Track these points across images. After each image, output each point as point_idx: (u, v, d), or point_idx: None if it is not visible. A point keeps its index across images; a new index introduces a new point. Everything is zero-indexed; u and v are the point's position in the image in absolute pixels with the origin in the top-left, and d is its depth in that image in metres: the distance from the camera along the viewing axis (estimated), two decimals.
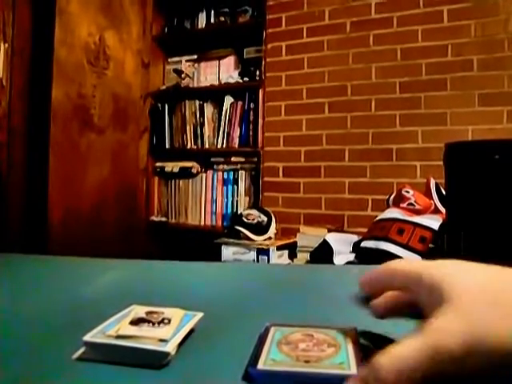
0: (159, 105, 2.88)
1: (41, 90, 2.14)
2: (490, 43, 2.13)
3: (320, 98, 2.48)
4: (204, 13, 2.84)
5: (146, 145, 2.82)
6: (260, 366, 0.29)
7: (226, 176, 2.70)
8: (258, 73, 2.66)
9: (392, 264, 0.33)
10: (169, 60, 2.98)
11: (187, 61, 2.89)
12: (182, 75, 2.82)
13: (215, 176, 2.73)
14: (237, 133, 2.67)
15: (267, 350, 0.32)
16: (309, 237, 2.21)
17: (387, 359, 0.24)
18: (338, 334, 0.34)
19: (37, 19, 2.17)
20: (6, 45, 2.05)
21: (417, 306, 0.30)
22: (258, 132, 2.60)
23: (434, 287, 0.28)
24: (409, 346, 0.25)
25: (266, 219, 2.28)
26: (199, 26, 2.85)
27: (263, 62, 2.62)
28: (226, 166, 2.72)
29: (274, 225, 2.31)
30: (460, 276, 0.28)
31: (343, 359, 0.30)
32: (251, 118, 2.63)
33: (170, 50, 2.96)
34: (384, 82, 2.34)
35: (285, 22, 2.59)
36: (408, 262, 0.32)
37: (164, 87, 2.92)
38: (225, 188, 2.70)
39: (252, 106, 2.63)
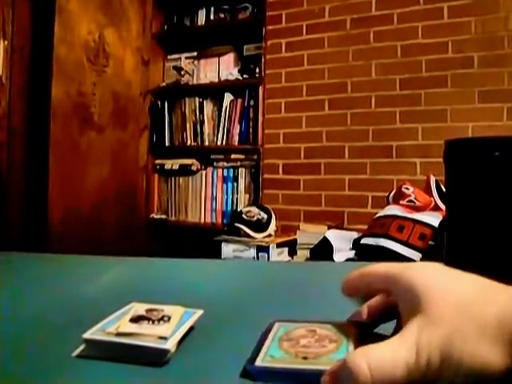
0: (159, 102, 2.88)
1: (40, 88, 2.14)
2: (490, 40, 2.13)
3: (320, 95, 2.48)
4: (204, 10, 2.83)
5: (145, 142, 2.82)
6: (258, 362, 0.29)
7: (225, 173, 2.70)
8: (257, 70, 2.66)
9: (370, 267, 0.32)
10: (168, 57, 2.98)
11: (187, 58, 2.88)
12: (182, 72, 2.81)
13: (215, 173, 2.73)
14: (237, 130, 2.67)
15: (267, 346, 0.32)
16: (309, 234, 2.21)
17: (365, 362, 0.24)
18: (341, 329, 0.34)
19: (36, 17, 2.16)
20: (6, 42, 2.05)
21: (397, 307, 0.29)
22: (257, 129, 2.60)
23: (411, 288, 0.27)
24: (388, 352, 0.25)
25: (265, 216, 2.28)
26: (199, 23, 2.85)
27: (263, 59, 2.62)
28: (225, 164, 2.71)
29: (273, 222, 2.31)
30: (439, 281, 0.27)
31: (343, 355, 0.30)
32: (251, 115, 2.63)
33: (169, 47, 2.96)
34: (384, 78, 2.34)
35: (285, 19, 2.58)
36: (387, 264, 0.31)
37: (164, 84, 2.92)
38: (225, 185, 2.70)
39: (252, 103, 2.63)
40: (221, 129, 2.71)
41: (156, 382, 0.30)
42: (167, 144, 2.86)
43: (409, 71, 2.28)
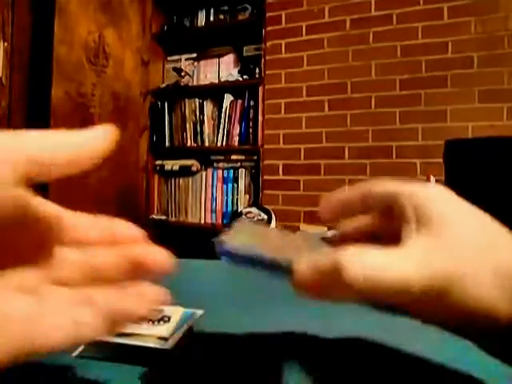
0: (159, 103, 2.88)
1: (40, 88, 2.14)
2: (490, 40, 2.13)
3: (320, 96, 2.48)
4: (203, 11, 2.84)
5: (145, 143, 2.82)
6: (229, 241, 0.27)
7: (225, 174, 2.70)
8: (257, 70, 2.66)
9: (363, 184, 0.28)
10: (168, 58, 2.98)
11: (187, 59, 2.88)
12: (182, 73, 2.81)
13: (215, 174, 2.73)
14: (236, 131, 2.67)
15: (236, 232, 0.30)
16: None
17: (359, 261, 0.21)
18: (312, 239, 0.31)
19: (36, 18, 2.16)
20: (6, 43, 2.05)
21: (388, 235, 0.25)
22: (257, 130, 2.60)
23: (424, 205, 0.24)
24: (389, 260, 0.21)
25: (265, 217, 2.28)
26: (199, 24, 2.85)
27: (263, 60, 2.62)
28: (225, 164, 2.71)
29: (274, 223, 2.31)
30: (457, 210, 0.24)
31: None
32: (251, 115, 2.63)
33: (169, 48, 2.96)
34: (384, 79, 2.34)
35: (284, 20, 2.58)
36: (385, 182, 0.27)
37: (164, 85, 2.92)
38: (225, 186, 2.70)
39: (252, 103, 2.63)
40: (221, 129, 2.71)
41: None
42: (167, 145, 2.86)
43: (409, 71, 2.28)
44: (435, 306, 0.22)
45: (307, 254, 0.24)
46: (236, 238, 0.27)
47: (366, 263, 0.21)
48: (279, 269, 0.25)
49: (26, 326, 0.18)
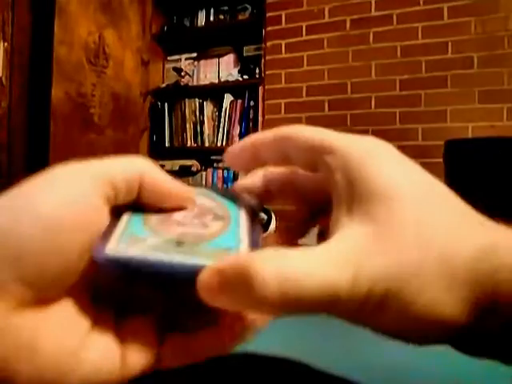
0: (159, 103, 2.88)
1: (41, 89, 2.14)
2: (490, 40, 2.13)
3: (320, 96, 2.48)
4: (203, 11, 2.84)
5: (145, 143, 2.82)
6: (111, 246, 0.19)
7: (226, 174, 2.70)
8: (257, 71, 2.66)
9: (285, 128, 0.22)
10: (168, 58, 2.98)
11: (187, 59, 2.88)
12: (182, 73, 2.81)
13: (215, 174, 2.73)
14: (237, 131, 2.67)
15: (128, 220, 0.21)
16: (310, 235, 2.21)
17: (274, 268, 0.16)
18: (228, 199, 0.24)
19: (36, 18, 2.16)
20: (6, 44, 2.05)
21: (315, 197, 0.21)
22: (257, 130, 2.60)
23: (357, 169, 0.19)
24: (311, 264, 0.17)
25: (265, 217, 2.28)
26: (199, 24, 2.85)
27: (263, 60, 2.62)
28: (226, 164, 2.71)
29: (274, 223, 2.31)
30: (403, 181, 0.19)
31: (232, 244, 0.20)
32: (251, 115, 2.63)
33: (169, 48, 2.96)
34: (384, 79, 2.34)
35: (284, 20, 2.58)
36: (313, 129, 0.22)
37: (164, 85, 2.92)
38: (225, 186, 2.70)
39: (252, 103, 2.63)
40: (221, 129, 2.71)
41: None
42: (167, 145, 2.86)
43: (409, 72, 2.28)
44: (385, 318, 0.17)
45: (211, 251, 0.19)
46: (123, 237, 0.20)
47: (282, 271, 0.16)
48: (175, 274, 0.19)
49: None
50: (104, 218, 0.20)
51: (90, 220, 0.19)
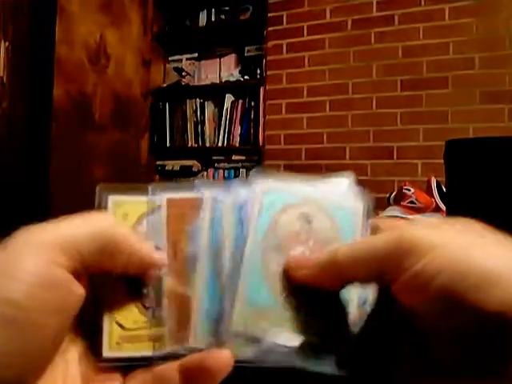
0: (160, 103, 2.87)
1: (41, 88, 2.14)
2: (491, 41, 2.12)
3: (321, 96, 2.48)
4: (205, 11, 2.83)
5: (146, 143, 2.82)
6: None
7: (226, 174, 2.70)
8: (258, 71, 2.66)
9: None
10: (169, 58, 2.98)
11: (188, 59, 2.88)
12: (183, 73, 2.81)
13: (216, 174, 2.73)
14: (238, 131, 2.67)
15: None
16: None
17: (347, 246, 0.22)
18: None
19: (37, 18, 2.16)
20: (7, 43, 2.05)
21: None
22: (258, 130, 2.60)
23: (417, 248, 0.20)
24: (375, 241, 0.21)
25: None
26: (200, 24, 2.85)
27: (264, 60, 2.62)
28: (226, 165, 2.71)
29: None
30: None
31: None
32: (252, 116, 2.63)
33: (170, 48, 2.96)
34: (385, 79, 2.33)
35: (286, 20, 2.58)
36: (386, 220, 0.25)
37: (165, 85, 2.92)
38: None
39: (253, 104, 2.63)
40: (222, 130, 2.71)
41: None
42: (168, 145, 2.86)
43: (410, 72, 2.28)
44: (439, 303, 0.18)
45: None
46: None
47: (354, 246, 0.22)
48: None
49: None
50: (76, 295, 0.20)
51: (61, 303, 0.20)
